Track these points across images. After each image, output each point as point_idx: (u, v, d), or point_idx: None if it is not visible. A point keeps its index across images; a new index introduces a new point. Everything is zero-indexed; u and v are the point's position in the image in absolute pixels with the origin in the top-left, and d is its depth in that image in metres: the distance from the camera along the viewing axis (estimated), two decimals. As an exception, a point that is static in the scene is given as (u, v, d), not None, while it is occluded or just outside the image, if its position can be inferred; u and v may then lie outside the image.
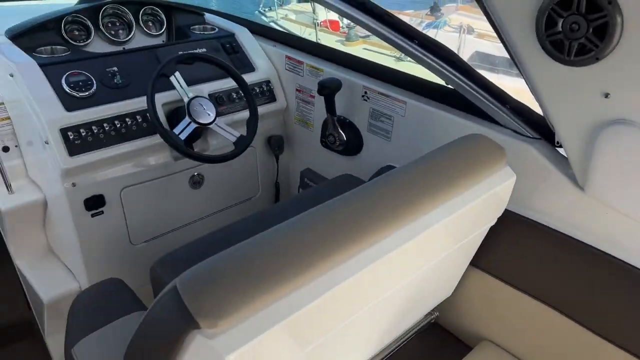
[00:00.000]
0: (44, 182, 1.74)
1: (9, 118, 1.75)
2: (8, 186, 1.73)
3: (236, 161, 2.03)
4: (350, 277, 0.90)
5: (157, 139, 1.78)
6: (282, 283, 0.81)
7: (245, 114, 1.97)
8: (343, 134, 1.91)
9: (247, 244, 0.86)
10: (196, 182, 1.98)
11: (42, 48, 1.77)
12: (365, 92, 1.81)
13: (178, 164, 1.89)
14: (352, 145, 1.93)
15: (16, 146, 1.79)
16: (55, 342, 1.96)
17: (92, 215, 1.69)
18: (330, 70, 1.92)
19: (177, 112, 1.82)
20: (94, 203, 1.69)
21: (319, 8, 11.77)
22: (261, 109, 2.03)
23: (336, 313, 0.94)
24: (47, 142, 1.58)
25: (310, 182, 2.13)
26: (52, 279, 1.81)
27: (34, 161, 1.76)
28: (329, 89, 1.79)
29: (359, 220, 0.95)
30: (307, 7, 13.69)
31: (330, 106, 1.84)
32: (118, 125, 1.68)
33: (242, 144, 1.81)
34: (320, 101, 2.00)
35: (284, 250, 0.84)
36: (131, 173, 1.76)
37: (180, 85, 1.73)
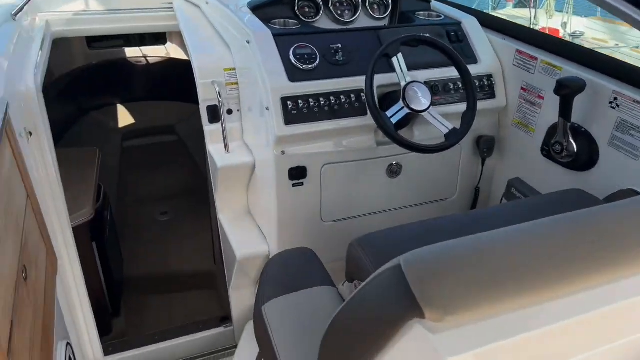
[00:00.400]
0: (257, 146, 1.82)
1: (237, 83, 1.88)
2: (226, 146, 1.86)
3: (438, 157, 1.90)
4: (606, 306, 0.70)
5: (365, 120, 1.73)
6: (528, 292, 0.66)
7: (459, 107, 1.82)
8: (574, 143, 1.63)
9: (480, 239, 0.72)
10: (393, 171, 1.89)
11: (276, 20, 1.86)
12: (615, 99, 1.51)
13: (380, 149, 1.83)
14: (582, 159, 1.63)
15: (238, 110, 1.92)
16: (237, 296, 2.07)
17: (293, 185, 1.72)
18: (569, 69, 1.66)
19: (389, 97, 1.75)
20: (297, 174, 1.72)
21: (541, 14, 10.89)
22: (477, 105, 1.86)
23: (578, 344, 0.75)
24: (267, 109, 1.64)
25: (518, 194, 1.89)
26: (247, 238, 1.91)
27: (250, 126, 1.86)
28: (569, 89, 1.53)
29: (622, 244, 0.74)
30: (523, 12, 12.82)
31: (565, 110, 1.58)
32: (332, 101, 1.68)
33: (454, 137, 1.66)
34: (549, 104, 1.75)
35: (533, 255, 0.69)
36: (334, 151, 1.75)
37: (401, 68, 1.65)
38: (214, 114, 1.87)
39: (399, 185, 1.91)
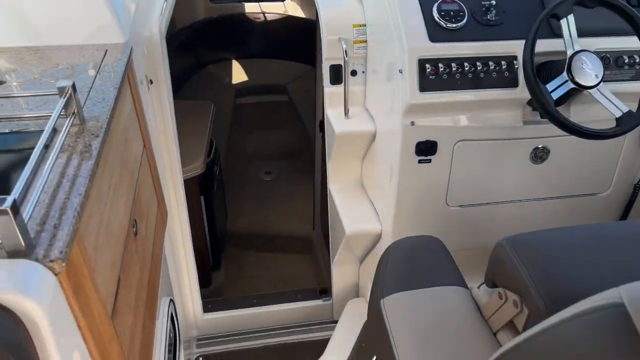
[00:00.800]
0: (381, 114, 1.62)
1: (365, 41, 1.68)
2: (346, 110, 1.69)
3: (595, 144, 1.58)
4: None
5: (514, 93, 1.46)
6: None
7: (633, 86, 1.48)
8: None
9: None
10: (539, 156, 1.60)
11: None
12: None
13: (526, 129, 1.54)
14: None
15: (363, 72, 1.72)
16: (339, 271, 1.94)
17: (419, 162, 1.51)
18: None
19: (548, 67, 1.45)
20: (425, 149, 1.50)
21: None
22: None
23: None
24: (400, 71, 1.42)
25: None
26: (358, 213, 1.74)
27: (375, 91, 1.66)
28: None
29: None
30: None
31: None
32: (479, 68, 1.42)
33: (629, 122, 1.34)
34: None
35: None
36: (472, 126, 1.50)
37: (570, 32, 1.35)
38: (337, 75, 1.70)
39: (542, 173, 1.62)
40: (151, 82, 1.56)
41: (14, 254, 0.69)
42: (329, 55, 1.67)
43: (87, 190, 0.84)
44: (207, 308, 2.02)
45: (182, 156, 2.17)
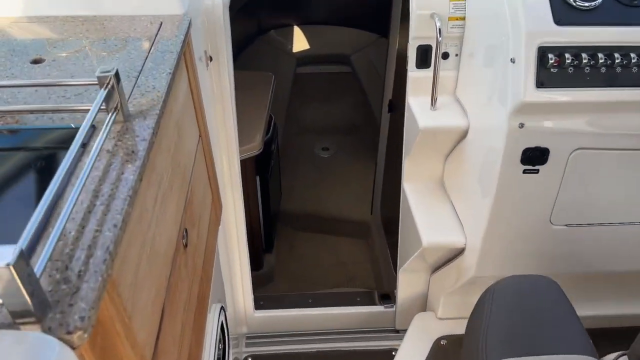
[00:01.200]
0: (477, 107, 1.35)
1: (463, 18, 1.39)
2: (434, 100, 1.42)
3: None
4: None
5: (655, 95, 1.15)
6: None
7: None
8: None
9: None
10: None
11: None
12: None
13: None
14: None
15: (456, 55, 1.44)
16: (407, 278, 1.72)
17: (525, 172, 1.23)
18: None
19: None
20: (534, 157, 1.22)
21: None
22: None
23: None
24: (513, 60, 1.14)
25: None
26: (438, 221, 1.49)
27: (471, 79, 1.38)
28: None
29: None
30: None
31: None
32: (617, 61, 1.12)
33: None
34: None
35: None
36: (595, 132, 1.21)
37: None
38: (424, 57, 1.42)
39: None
40: (210, 58, 1.35)
41: (20, 314, 0.51)
42: (418, 33, 1.39)
43: (125, 216, 0.65)
44: (258, 305, 1.86)
45: (240, 135, 1.99)
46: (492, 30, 1.23)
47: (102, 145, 0.72)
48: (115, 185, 0.68)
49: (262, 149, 2.19)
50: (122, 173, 0.70)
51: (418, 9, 1.37)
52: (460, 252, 1.45)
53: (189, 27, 1.09)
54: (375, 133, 3.29)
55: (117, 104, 0.78)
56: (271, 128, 2.46)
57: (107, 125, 0.74)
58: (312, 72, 3.83)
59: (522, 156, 1.21)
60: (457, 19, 1.37)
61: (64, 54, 0.97)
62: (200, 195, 1.18)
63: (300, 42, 3.82)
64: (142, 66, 0.93)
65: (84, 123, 0.71)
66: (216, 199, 1.38)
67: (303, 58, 3.76)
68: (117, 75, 0.76)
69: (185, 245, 1.00)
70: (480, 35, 1.31)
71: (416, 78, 1.45)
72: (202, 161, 1.24)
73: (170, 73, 0.92)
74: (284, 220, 3.09)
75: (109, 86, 0.75)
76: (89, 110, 0.73)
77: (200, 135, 1.22)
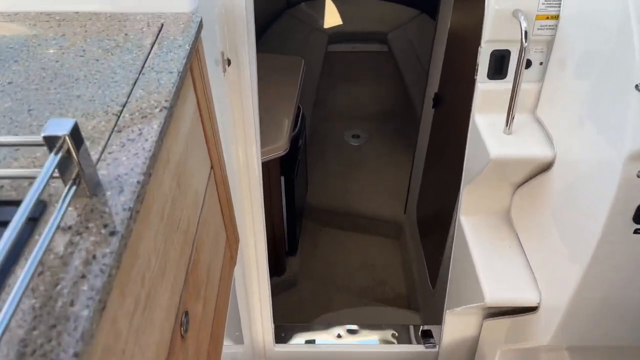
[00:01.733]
0: (570, 136, 1.04)
1: (556, 17, 1.06)
2: (510, 120, 1.11)
3: None
4: None
5: None
6: None
7: None
8: None
9: None
10: None
11: None
12: None
13: None
14: None
15: (541, 64, 1.12)
16: (455, 320, 1.46)
17: (636, 231, 0.94)
18: None
19: None
20: (648, 214, 0.92)
21: None
22: None
23: None
24: (638, 88, 0.83)
25: None
26: (504, 271, 1.20)
27: (562, 98, 1.07)
28: None
29: None
30: None
31: None
32: None
33: None
34: None
35: None
36: None
37: None
38: (500, 65, 1.11)
39: None
40: (229, 62, 1.07)
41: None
42: (494, 35, 1.08)
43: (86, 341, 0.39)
44: (279, 337, 1.62)
45: (263, 133, 1.74)
46: (601, 36, 0.92)
47: (51, 238, 0.46)
48: (74, 295, 0.43)
49: (287, 149, 1.92)
50: (85, 277, 0.45)
51: (497, 3, 1.05)
52: (530, 310, 1.17)
53: (198, 30, 0.81)
54: (412, 120, 2.97)
55: (76, 174, 0.51)
56: (299, 121, 2.18)
57: (60, 207, 0.48)
58: (345, 51, 3.50)
59: (636, 213, 0.91)
60: (548, 18, 1.05)
61: (21, 79, 0.70)
62: (210, 243, 0.92)
63: (332, 17, 3.48)
64: (128, 98, 0.66)
65: (24, 202, 0.45)
66: (232, 236, 1.12)
67: (335, 35, 3.42)
68: (74, 132, 0.49)
69: (186, 330, 0.75)
70: (580, 40, 0.99)
71: (487, 91, 1.14)
72: (214, 196, 0.98)
73: (167, 108, 0.65)
74: (308, 214, 2.84)
75: (62, 150, 0.49)
76: (35, 178, 0.47)
77: (212, 167, 0.95)
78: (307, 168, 2.71)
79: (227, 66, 1.07)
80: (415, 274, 2.46)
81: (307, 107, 2.93)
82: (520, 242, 1.23)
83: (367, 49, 3.51)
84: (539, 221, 1.14)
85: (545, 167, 1.10)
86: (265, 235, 1.34)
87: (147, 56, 0.73)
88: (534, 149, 1.07)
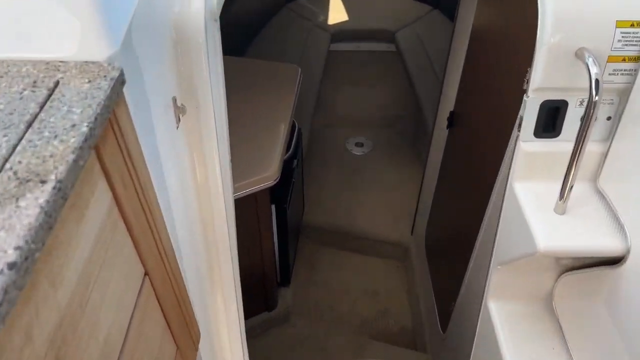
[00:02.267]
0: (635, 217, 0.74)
1: (637, 59, 0.76)
2: (565, 193, 0.81)
3: None
4: None
5: None
6: None
7: None
8: None
9: None
10: None
11: None
12: None
13: None
14: None
15: (608, 119, 0.83)
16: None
17: None
18: None
19: None
20: None
21: None
22: None
23: None
24: None
25: None
26: None
27: (638, 162, 0.78)
28: None
29: None
30: None
31: None
32: None
33: None
34: None
35: None
36: None
37: None
38: (552, 119, 0.82)
39: None
40: (184, 110, 0.78)
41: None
42: (546, 81, 0.78)
43: None
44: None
45: (250, 161, 1.48)
46: None
47: None
48: None
49: (278, 178, 1.64)
50: None
51: (553, 35, 0.75)
52: None
53: (114, 88, 0.52)
54: (421, 127, 2.68)
55: None
56: (293, 142, 1.90)
57: None
58: (349, 50, 3.20)
59: None
60: (625, 60, 0.75)
61: None
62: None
63: (336, 13, 3.17)
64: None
65: None
66: (185, 342, 0.84)
67: (339, 33, 3.11)
68: None
69: None
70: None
71: (532, 153, 0.84)
72: (152, 308, 0.70)
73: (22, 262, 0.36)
74: (304, 233, 2.58)
75: None
76: None
77: (146, 274, 0.66)
78: (305, 179, 2.43)
79: (180, 115, 0.78)
80: (422, 307, 2.19)
81: (307, 111, 2.64)
82: (565, 340, 0.95)
83: (373, 48, 3.21)
84: (597, 326, 0.86)
85: (611, 261, 0.81)
86: (244, 325, 1.06)
87: (14, 148, 0.44)
88: (599, 239, 0.78)
